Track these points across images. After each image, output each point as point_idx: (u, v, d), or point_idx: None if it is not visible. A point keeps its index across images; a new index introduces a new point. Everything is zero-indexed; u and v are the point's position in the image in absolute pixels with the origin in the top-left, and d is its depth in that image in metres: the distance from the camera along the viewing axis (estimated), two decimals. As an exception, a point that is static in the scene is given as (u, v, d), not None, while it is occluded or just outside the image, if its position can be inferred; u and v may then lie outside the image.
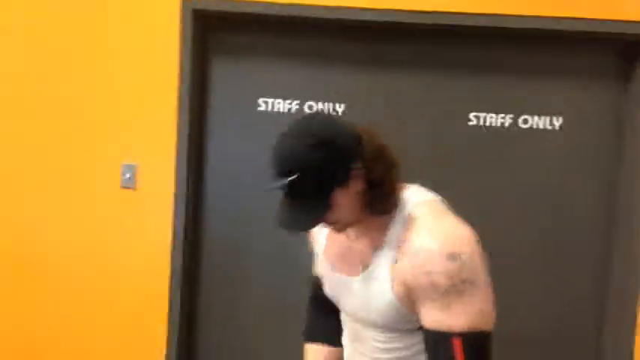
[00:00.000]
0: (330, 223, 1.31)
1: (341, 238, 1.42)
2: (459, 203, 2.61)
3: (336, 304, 1.49)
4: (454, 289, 1.17)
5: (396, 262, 1.26)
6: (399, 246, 1.25)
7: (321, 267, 1.51)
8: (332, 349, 1.60)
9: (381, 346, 1.37)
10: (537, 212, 2.69)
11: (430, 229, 1.23)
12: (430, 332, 1.21)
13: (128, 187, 2.63)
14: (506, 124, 2.69)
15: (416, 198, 1.32)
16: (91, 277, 2.66)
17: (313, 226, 1.25)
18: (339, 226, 1.32)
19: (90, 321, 2.67)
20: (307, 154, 1.20)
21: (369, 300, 1.33)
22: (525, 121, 2.69)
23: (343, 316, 1.51)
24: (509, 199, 2.69)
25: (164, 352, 2.64)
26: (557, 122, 2.67)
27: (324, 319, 1.62)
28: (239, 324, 2.77)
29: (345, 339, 1.54)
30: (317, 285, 1.60)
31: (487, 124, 2.69)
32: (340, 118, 1.29)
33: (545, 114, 2.67)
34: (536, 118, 2.67)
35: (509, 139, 2.69)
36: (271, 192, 1.27)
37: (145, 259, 2.64)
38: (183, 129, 2.61)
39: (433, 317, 1.20)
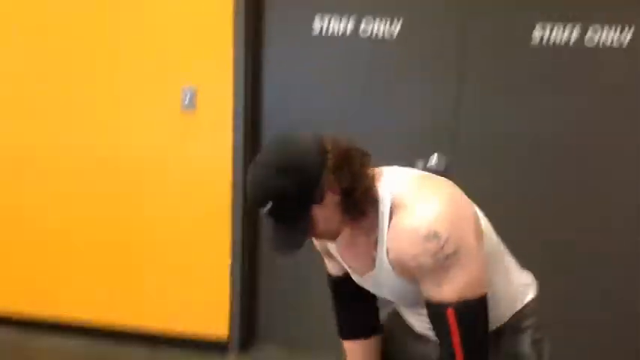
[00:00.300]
0: (318, 237, 1.38)
1: (344, 243, 1.47)
2: (519, 128, 2.54)
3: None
4: (439, 265, 1.23)
5: (388, 251, 1.33)
6: (387, 237, 1.31)
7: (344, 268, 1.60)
8: (366, 341, 1.67)
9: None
10: (602, 137, 2.59)
11: (408, 213, 1.27)
12: (428, 305, 1.30)
13: (188, 110, 2.68)
14: (572, 41, 2.54)
15: (392, 186, 1.33)
16: (155, 196, 2.83)
17: (301, 245, 1.31)
18: (328, 237, 1.39)
19: (154, 240, 2.85)
20: (275, 183, 1.25)
21: (391, 289, 1.41)
22: (592, 40, 2.54)
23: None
24: (569, 125, 2.60)
25: (229, 268, 2.79)
26: (628, 36, 2.51)
27: (350, 314, 1.67)
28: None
29: (400, 311, 1.62)
30: (334, 283, 1.66)
31: (552, 40, 2.56)
32: (303, 133, 1.32)
33: (616, 24, 2.51)
34: (604, 32, 2.52)
35: (574, 59, 2.55)
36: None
37: (206, 178, 2.76)
38: (239, 51, 2.65)
39: (428, 292, 1.28)
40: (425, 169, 2.61)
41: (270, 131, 2.80)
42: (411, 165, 2.67)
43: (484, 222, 1.37)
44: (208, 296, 2.83)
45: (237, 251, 2.78)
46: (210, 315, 2.84)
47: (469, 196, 1.34)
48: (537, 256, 2.62)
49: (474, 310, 1.26)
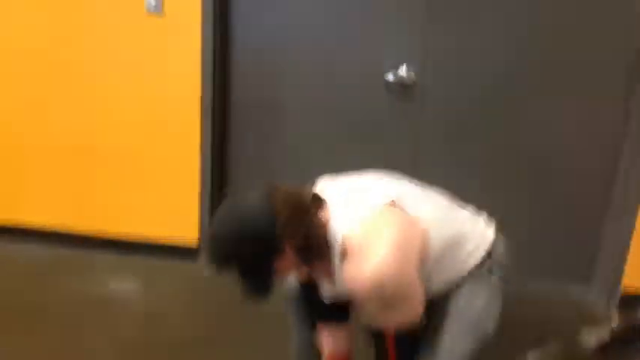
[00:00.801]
0: (284, 278, 1.54)
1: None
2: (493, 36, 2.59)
3: None
4: (384, 304, 1.39)
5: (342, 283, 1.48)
6: (341, 276, 1.47)
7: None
8: (338, 326, 1.75)
9: None
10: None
11: (356, 262, 1.40)
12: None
13: (154, 13, 2.63)
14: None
15: (341, 227, 1.46)
16: (121, 100, 2.77)
17: (269, 293, 1.48)
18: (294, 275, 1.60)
19: (121, 145, 2.83)
20: (233, 253, 1.41)
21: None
22: None
23: None
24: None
25: (198, 175, 2.82)
26: None
27: (318, 308, 1.75)
28: (270, 148, 2.88)
29: None
30: (296, 291, 1.76)
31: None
32: (252, 197, 1.44)
33: None
34: None
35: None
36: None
37: (174, 83, 2.72)
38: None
39: (372, 314, 1.46)
40: (395, 80, 2.67)
41: (242, 36, 2.74)
42: (382, 76, 2.72)
43: (434, 216, 1.52)
44: (177, 200, 2.85)
45: (206, 153, 2.78)
46: (180, 219, 2.87)
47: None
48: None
49: (409, 337, 1.52)
